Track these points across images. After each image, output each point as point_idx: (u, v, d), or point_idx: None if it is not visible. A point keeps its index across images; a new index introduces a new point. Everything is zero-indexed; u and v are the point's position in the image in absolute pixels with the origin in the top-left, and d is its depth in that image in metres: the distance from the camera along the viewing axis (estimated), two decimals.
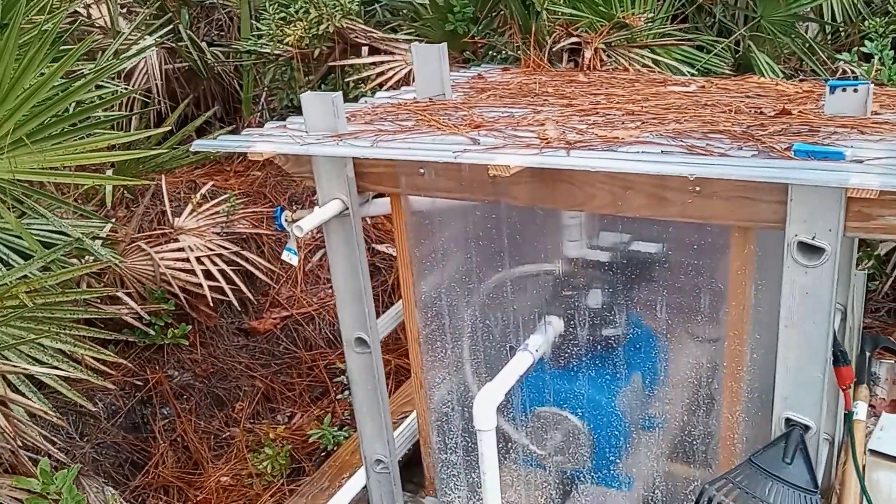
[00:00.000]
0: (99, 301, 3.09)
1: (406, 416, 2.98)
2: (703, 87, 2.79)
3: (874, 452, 2.69)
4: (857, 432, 2.73)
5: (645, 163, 1.76)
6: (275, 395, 3.46)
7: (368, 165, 2.30)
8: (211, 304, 3.38)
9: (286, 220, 2.53)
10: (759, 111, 2.26)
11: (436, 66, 2.62)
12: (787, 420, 1.94)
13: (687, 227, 2.02)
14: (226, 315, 3.55)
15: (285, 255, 2.64)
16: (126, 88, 3.68)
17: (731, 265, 1.96)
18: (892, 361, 3.23)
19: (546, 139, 2.01)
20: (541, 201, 2.10)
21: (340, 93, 2.25)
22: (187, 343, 3.36)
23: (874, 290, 3.67)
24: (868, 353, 3.11)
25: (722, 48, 4.00)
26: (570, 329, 2.35)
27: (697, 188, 1.87)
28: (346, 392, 3.33)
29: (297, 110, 4.18)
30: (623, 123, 2.17)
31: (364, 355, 2.53)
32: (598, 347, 2.34)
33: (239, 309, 3.50)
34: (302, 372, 3.51)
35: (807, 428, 1.92)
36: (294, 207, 3.87)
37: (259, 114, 4.72)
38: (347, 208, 2.34)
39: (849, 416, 2.40)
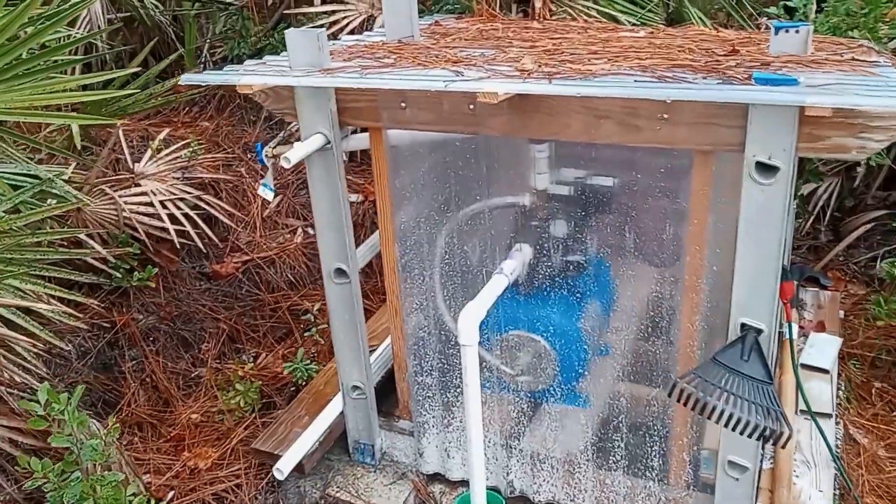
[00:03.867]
0: (64, 244, 3.11)
1: (375, 349, 3.12)
2: (652, 33, 2.99)
3: (804, 366, 2.98)
4: (788, 348, 3.03)
5: (625, 88, 1.94)
6: (240, 337, 3.54)
7: (350, 101, 2.41)
8: (175, 248, 3.43)
9: (266, 156, 2.62)
10: (711, 51, 2.46)
11: (405, 8, 2.73)
12: (743, 325, 2.17)
13: (652, 153, 2.22)
14: (187, 259, 3.60)
15: (261, 191, 2.73)
16: (79, 33, 3.65)
17: (693, 186, 2.16)
18: (816, 290, 3.54)
19: (526, 71, 2.16)
20: (517, 131, 2.26)
21: (325, 29, 2.34)
22: (152, 286, 3.41)
23: (797, 227, 3.98)
24: (796, 283, 3.42)
25: (655, 3, 4.22)
26: (541, 256, 2.53)
27: (665, 115, 2.06)
28: (313, 329, 3.43)
29: (243, 63, 4.21)
30: (590, 60, 2.34)
31: (343, 285, 2.65)
32: (568, 273, 2.52)
33: (203, 251, 3.56)
34: (265, 314, 3.60)
35: (759, 331, 2.15)
36: (250, 156, 3.93)
37: (203, 66, 4.71)
38: (330, 142, 2.45)
39: (789, 327, 2.67)
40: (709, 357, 2.15)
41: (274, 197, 3.95)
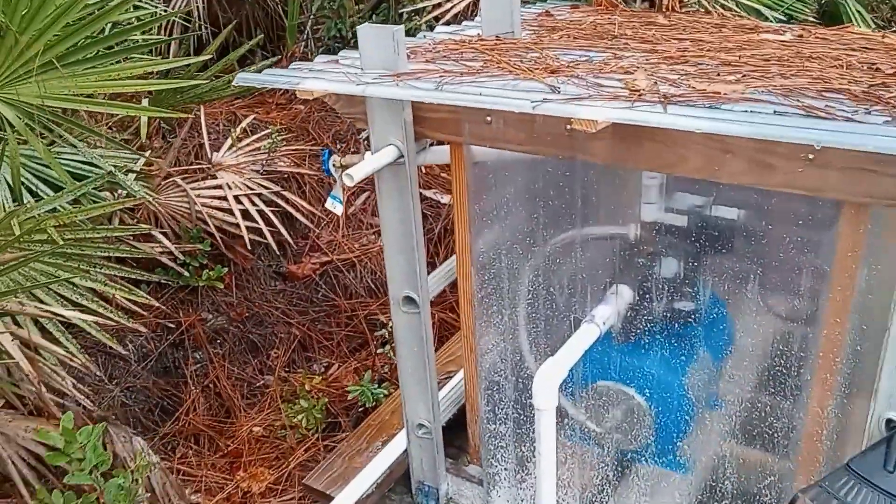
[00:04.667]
0: (131, 238, 2.92)
1: (451, 377, 2.81)
2: (801, 36, 2.51)
3: None
4: None
5: (760, 125, 1.52)
6: (311, 344, 3.29)
7: (428, 110, 2.08)
8: (248, 246, 3.20)
9: (334, 165, 2.33)
10: (874, 67, 1.98)
11: (505, 0, 2.36)
12: (889, 421, 1.73)
13: (789, 198, 1.78)
14: (263, 258, 3.37)
15: (329, 204, 2.45)
16: (166, 10, 3.45)
17: (839, 245, 1.72)
18: None
19: (637, 91, 1.76)
20: (623, 161, 1.87)
21: (402, 27, 2.01)
22: (222, 285, 3.20)
23: None
24: None
25: None
26: (642, 301, 2.14)
27: (810, 156, 1.63)
28: (387, 346, 3.16)
29: (345, 42, 3.93)
30: (720, 75, 1.92)
31: (412, 315, 2.34)
32: (673, 322, 2.12)
33: (277, 252, 3.32)
34: (340, 321, 3.34)
35: None
36: (339, 147, 3.66)
37: (304, 43, 4.47)
38: (402, 156, 2.12)
39: None
40: (840, 460, 1.73)
41: (361, 192, 3.68)
